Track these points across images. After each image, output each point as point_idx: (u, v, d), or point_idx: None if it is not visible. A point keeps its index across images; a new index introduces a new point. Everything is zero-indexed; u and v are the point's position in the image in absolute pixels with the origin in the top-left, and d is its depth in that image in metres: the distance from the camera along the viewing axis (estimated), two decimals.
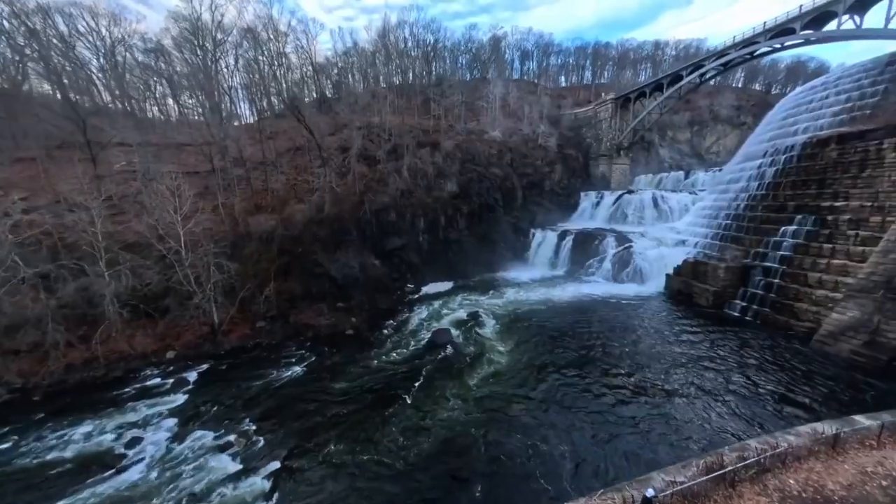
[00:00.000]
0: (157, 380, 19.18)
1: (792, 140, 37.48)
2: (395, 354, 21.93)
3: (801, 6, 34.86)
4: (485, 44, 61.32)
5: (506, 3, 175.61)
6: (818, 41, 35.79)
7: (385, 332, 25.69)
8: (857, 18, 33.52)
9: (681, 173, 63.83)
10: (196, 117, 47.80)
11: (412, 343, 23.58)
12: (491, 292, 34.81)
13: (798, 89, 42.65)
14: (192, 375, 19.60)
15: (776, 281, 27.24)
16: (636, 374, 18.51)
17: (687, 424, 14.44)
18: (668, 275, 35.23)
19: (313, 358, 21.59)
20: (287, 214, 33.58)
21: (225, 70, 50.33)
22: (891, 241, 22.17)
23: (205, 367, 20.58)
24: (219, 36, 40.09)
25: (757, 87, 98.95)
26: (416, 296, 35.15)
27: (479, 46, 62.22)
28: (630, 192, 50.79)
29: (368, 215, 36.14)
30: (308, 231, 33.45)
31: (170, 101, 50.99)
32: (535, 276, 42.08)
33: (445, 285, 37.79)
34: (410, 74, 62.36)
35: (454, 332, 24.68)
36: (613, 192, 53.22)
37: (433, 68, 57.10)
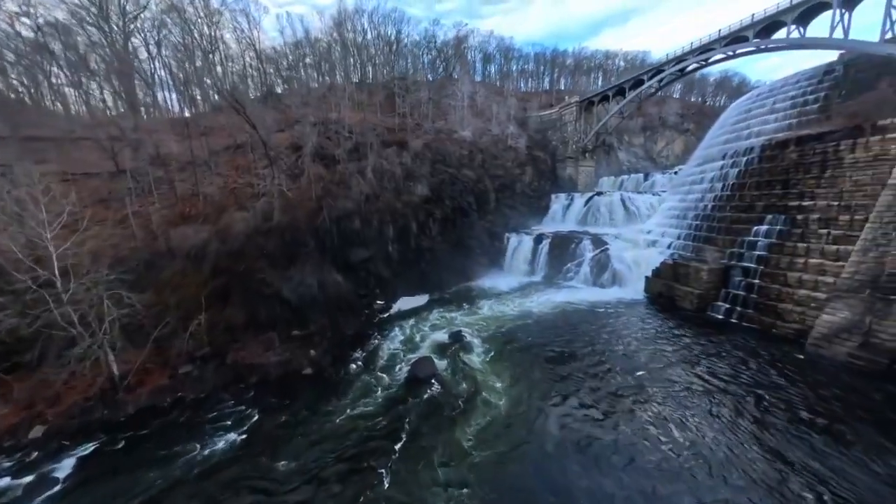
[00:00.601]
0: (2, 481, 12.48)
1: (749, 142, 38.51)
2: (367, 400, 17.06)
3: (752, 14, 35.74)
4: (449, 40, 58.07)
5: (462, 12, 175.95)
6: (766, 49, 36.99)
7: (353, 366, 20.60)
8: (801, 30, 34.85)
9: (640, 175, 65.44)
10: (107, 108, 38.53)
11: (388, 381, 18.85)
12: (470, 306, 30.91)
13: (746, 96, 44.45)
14: (65, 465, 13.12)
15: (756, 281, 26.54)
16: (644, 404, 15.63)
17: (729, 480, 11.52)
18: (647, 277, 33.98)
19: (256, 416, 15.99)
20: (224, 224, 27.01)
21: (146, 54, 41.58)
22: (868, 240, 21.82)
23: (91, 447, 14.10)
24: (129, 7, 32.09)
25: (693, 98, 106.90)
26: (388, 314, 30.24)
27: (443, 43, 58.90)
28: (599, 193, 50.17)
29: (328, 223, 30.59)
30: (252, 244, 27.17)
31: (70, 88, 40.86)
32: (514, 284, 39.11)
33: (420, 299, 33.28)
34: (371, 69, 57.11)
35: (438, 361, 20.36)
36: (584, 194, 52.38)
37: (396, 64, 52.58)
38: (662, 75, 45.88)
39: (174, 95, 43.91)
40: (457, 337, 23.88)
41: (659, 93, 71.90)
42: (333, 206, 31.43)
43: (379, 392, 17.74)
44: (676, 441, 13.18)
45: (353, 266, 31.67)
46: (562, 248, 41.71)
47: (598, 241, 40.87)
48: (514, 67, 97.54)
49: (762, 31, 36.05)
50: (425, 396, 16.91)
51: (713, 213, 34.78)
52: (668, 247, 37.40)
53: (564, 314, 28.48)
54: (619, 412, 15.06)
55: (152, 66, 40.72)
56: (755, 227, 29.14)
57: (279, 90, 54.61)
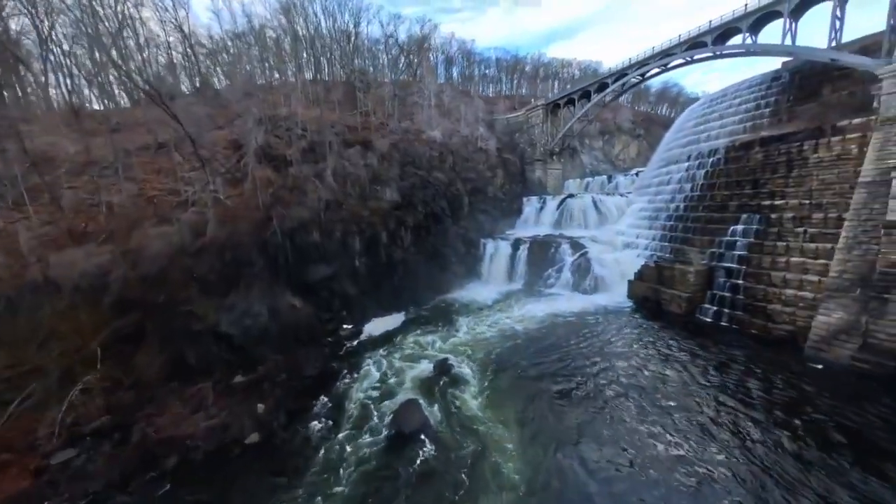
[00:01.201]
0: None
1: (711, 144, 39.22)
2: (335, 479, 12.41)
3: (710, 21, 36.37)
4: (413, 35, 54.13)
5: (419, 18, 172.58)
6: (721, 56, 37.93)
7: (316, 424, 15.60)
8: (753, 37, 35.94)
9: (604, 177, 66.44)
10: None
11: (364, 442, 14.25)
12: (451, 325, 26.84)
13: (700, 101, 45.86)
14: None
15: (740, 282, 25.78)
16: (671, 437, 12.97)
17: None
18: (630, 281, 32.58)
19: None
20: (137, 243, 20.50)
21: (36, 34, 32.59)
22: (850, 238, 21.46)
23: None
24: None
25: (640, 108, 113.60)
26: (358, 341, 25.31)
27: (406, 40, 54.83)
28: (571, 196, 49.14)
29: (279, 236, 25.03)
30: (177, 267, 20.97)
31: None
32: (494, 295, 35.96)
33: (394, 320, 28.70)
34: (326, 63, 51.34)
35: (425, 405, 16.17)
36: (556, 197, 51.14)
37: (355, 59, 47.56)
38: (625, 79, 46.01)
39: (69, 84, 34.92)
40: (443, 368, 19.82)
41: (622, 97, 74.41)
42: (286, 216, 25.94)
43: (352, 462, 13.12)
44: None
45: (312, 286, 26.35)
46: (541, 254, 39.49)
47: (576, 245, 39.21)
48: (477, 72, 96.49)
49: (719, 38, 36.78)
50: (416, 464, 12.68)
51: (686, 213, 34.41)
52: (645, 248, 36.60)
53: (553, 329, 25.47)
54: (649, 458, 12.09)
55: (41, 47, 31.95)
56: (731, 227, 28.74)
57: (218, 85, 46.98)
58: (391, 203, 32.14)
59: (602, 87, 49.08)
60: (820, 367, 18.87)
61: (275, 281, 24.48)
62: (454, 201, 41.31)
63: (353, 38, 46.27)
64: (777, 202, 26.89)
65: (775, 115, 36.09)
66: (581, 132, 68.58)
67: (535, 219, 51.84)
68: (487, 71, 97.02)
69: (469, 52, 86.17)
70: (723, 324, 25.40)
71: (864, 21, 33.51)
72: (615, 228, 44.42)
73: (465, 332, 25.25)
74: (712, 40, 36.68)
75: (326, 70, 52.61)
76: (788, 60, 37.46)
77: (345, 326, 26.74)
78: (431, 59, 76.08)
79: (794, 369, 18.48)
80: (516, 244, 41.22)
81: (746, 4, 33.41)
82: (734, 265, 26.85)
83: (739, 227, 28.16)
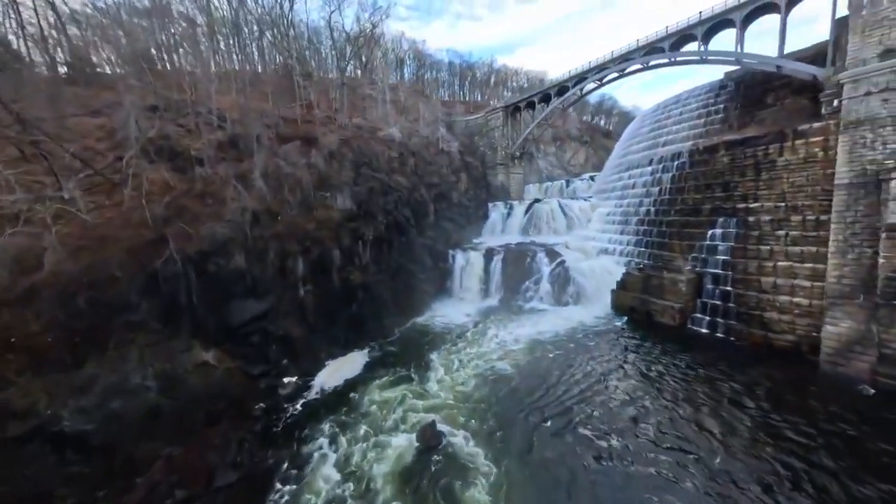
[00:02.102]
0: None
1: (672, 148, 39.11)
2: None
3: (667, 27, 36.17)
4: (362, 22, 46.78)
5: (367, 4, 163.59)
6: (676, 63, 38.06)
7: None
8: (703, 46, 36.39)
9: (562, 182, 66.07)
10: None
11: None
12: (427, 366, 20.79)
13: (653, 107, 46.43)
14: None
15: (729, 289, 24.19)
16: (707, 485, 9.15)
17: None
18: (613, 291, 30.02)
19: None
20: None
21: None
22: (840, 242, 20.46)
23: None
24: None
25: (583, 118, 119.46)
26: (305, 401, 18.23)
27: (354, 26, 47.36)
28: (538, 201, 46.54)
29: (179, 265, 16.99)
30: None
31: None
32: (469, 314, 31.02)
33: (354, 361, 21.96)
34: (255, 49, 42.19)
35: None
36: (522, 202, 48.20)
37: (294, 46, 39.31)
38: (584, 83, 44.87)
39: None
40: (430, 439, 14.02)
41: (573, 104, 74.90)
42: (192, 235, 17.95)
43: None
44: None
45: (236, 332, 18.61)
46: (516, 264, 35.59)
47: (552, 253, 36.00)
48: (428, 75, 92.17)
49: (673, 45, 36.72)
50: None
51: (658, 217, 33.00)
52: (621, 254, 34.58)
53: (545, 361, 20.62)
54: None
55: None
56: (709, 231, 27.45)
57: (99, 65, 35.45)
58: (344, 212, 25.38)
59: (562, 90, 47.62)
60: (837, 382, 16.98)
61: (173, 332, 16.42)
62: (418, 209, 35.62)
63: (287, 19, 38.11)
64: (752, 205, 25.97)
65: (725, 121, 36.87)
66: (537, 138, 67.69)
67: (502, 225, 48.34)
68: (439, 74, 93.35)
69: (421, 53, 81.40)
70: (719, 335, 23.42)
71: (801, 37, 35.42)
72: (584, 234, 42.47)
73: (444, 378, 19.21)
74: (669, 46, 36.46)
75: (256, 56, 43.37)
76: (731, 70, 38.88)
77: (286, 381, 19.40)
78: (380, 55, 69.69)
79: (805, 382, 16.74)
80: (489, 255, 36.86)
81: (701, 12, 33.41)
82: (719, 271, 25.28)
83: (718, 231, 26.89)
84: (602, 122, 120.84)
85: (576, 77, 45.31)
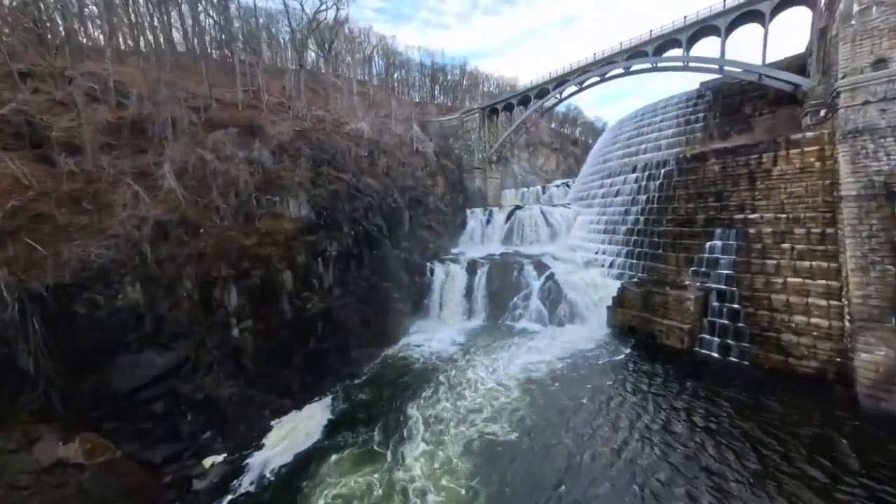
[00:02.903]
0: None
1: (655, 155, 37.81)
2: None
3: (651, 31, 34.65)
4: (324, 14, 39.91)
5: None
6: (659, 69, 36.78)
7: None
8: (686, 53, 35.38)
9: (538, 188, 64.03)
10: None
11: None
12: (403, 419, 15.64)
13: (631, 114, 45.47)
14: None
15: (737, 307, 22.07)
16: None
17: None
18: (609, 307, 27.11)
19: None
20: None
21: None
22: (859, 258, 18.78)
23: None
24: None
25: (552, 125, 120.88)
26: (235, 497, 12.37)
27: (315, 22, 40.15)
28: (519, 207, 43.26)
29: (14, 308, 10.39)
30: None
31: None
32: (453, 338, 26.47)
33: (313, 420, 16.22)
34: (191, 30, 34.06)
35: None
36: (502, 209, 44.67)
37: (233, 26, 31.99)
38: (566, 85, 42.57)
39: None
40: None
41: (551, 108, 73.46)
42: (45, 260, 11.38)
43: None
44: None
45: (126, 402, 12.20)
46: (503, 278, 31.65)
47: (539, 266, 32.56)
48: (398, 74, 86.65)
49: (656, 50, 35.31)
50: None
51: (648, 227, 30.85)
52: (612, 266, 31.98)
53: (546, 406, 16.66)
54: None
55: None
56: (708, 243, 25.54)
57: None
58: (300, 222, 19.49)
59: (542, 93, 45.04)
60: (882, 420, 14.75)
61: (9, 416, 9.86)
62: (392, 216, 30.33)
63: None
64: (750, 216, 24.36)
65: (705, 129, 36.25)
66: (514, 142, 65.23)
67: (482, 234, 44.49)
68: (410, 74, 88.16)
69: (389, 49, 75.69)
70: (733, 359, 21.03)
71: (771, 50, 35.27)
72: (568, 242, 39.73)
73: (425, 451, 13.72)
74: (653, 50, 34.96)
75: (191, 34, 35.25)
76: (707, 80, 38.60)
77: (208, 463, 13.28)
78: (345, 42, 62.90)
79: (846, 420, 14.34)
80: (472, 267, 32.56)
81: (686, 17, 32.11)
82: (723, 286, 23.19)
83: (717, 244, 25.00)
84: (568, 131, 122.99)
85: (556, 79, 42.89)
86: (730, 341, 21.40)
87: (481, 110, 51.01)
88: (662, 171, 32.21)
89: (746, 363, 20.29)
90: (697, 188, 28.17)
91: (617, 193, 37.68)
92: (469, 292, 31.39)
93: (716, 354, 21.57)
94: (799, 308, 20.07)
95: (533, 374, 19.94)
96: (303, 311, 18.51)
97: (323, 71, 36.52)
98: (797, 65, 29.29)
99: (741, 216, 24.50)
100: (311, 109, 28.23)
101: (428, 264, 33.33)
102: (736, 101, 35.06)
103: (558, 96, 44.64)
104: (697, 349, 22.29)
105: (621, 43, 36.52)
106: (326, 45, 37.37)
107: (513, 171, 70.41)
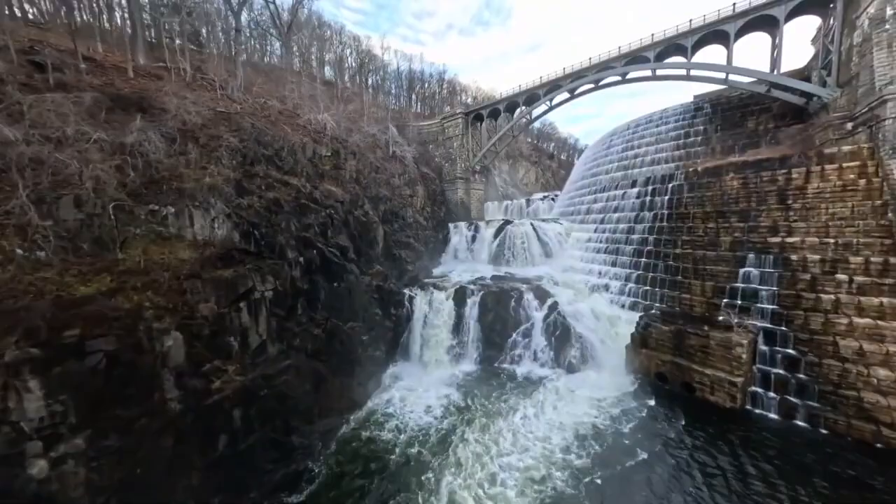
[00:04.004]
0: None
1: (656, 169, 34.50)
2: None
3: (652, 34, 31.35)
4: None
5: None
6: (658, 77, 33.48)
7: None
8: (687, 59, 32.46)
9: (522, 201, 59.55)
10: None
11: None
12: None
13: (623, 126, 42.37)
14: None
15: (794, 353, 17.59)
16: None
17: None
18: (627, 347, 21.89)
19: None
20: None
21: None
22: None
23: None
24: None
25: (528, 139, 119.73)
26: None
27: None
28: (509, 222, 37.81)
29: None
30: None
31: None
32: (440, 392, 19.95)
33: None
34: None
35: None
36: (490, 224, 38.96)
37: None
38: (559, 91, 38.48)
39: None
40: None
41: (540, 117, 69.89)
42: None
43: None
44: None
45: None
46: (497, 310, 25.50)
47: (540, 293, 26.86)
48: (372, 80, 79.93)
49: (659, 55, 31.98)
50: None
51: (661, 248, 26.42)
52: (620, 293, 27.06)
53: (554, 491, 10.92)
54: None
55: None
56: (741, 270, 21.37)
57: None
58: (209, 249, 12.04)
59: (531, 99, 40.72)
60: None
61: None
62: (363, 233, 23.28)
63: None
64: (788, 239, 20.50)
65: (706, 143, 33.41)
66: (499, 151, 60.71)
67: (467, 251, 38.45)
68: (387, 79, 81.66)
69: (365, 53, 68.81)
70: (799, 423, 16.29)
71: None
72: (563, 263, 34.61)
73: None
74: (654, 56, 31.61)
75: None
76: (702, 94, 36.30)
77: None
78: (314, 49, 55.19)
79: None
80: (460, 296, 26.10)
81: (691, 20, 28.99)
82: (769, 324, 18.74)
83: (753, 272, 20.81)
84: (543, 145, 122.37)
85: (548, 84, 38.70)
86: (793, 399, 16.65)
87: (465, 115, 45.82)
88: (670, 185, 28.23)
89: (824, 431, 15.52)
90: (715, 205, 24.27)
91: (616, 209, 33.36)
92: (458, 327, 24.87)
93: (775, 416, 16.74)
94: (877, 358, 15.75)
95: (547, 456, 13.82)
96: (204, 397, 10.97)
97: (280, 56, 29.01)
98: (799, 78, 26.95)
99: (776, 239, 20.60)
100: (253, 92, 20.77)
101: (406, 292, 26.46)
102: (737, 115, 32.51)
103: (548, 103, 40.50)
104: (750, 408, 17.41)
105: (620, 47, 33.00)
106: (284, 26, 30.11)
107: (495, 183, 65.84)
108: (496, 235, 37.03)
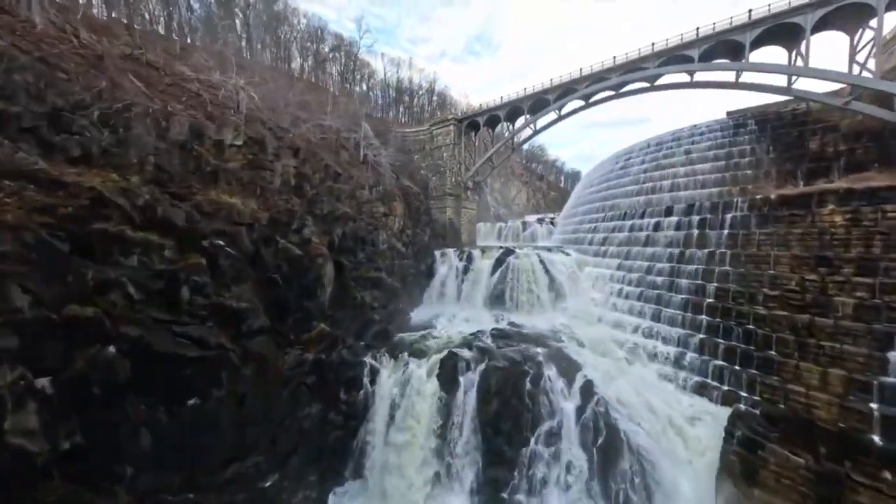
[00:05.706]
0: None
1: (694, 194, 27.43)
2: None
3: (697, 28, 24.73)
4: None
5: None
6: (694, 84, 27.03)
7: None
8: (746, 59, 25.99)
9: (518, 224, 51.87)
10: None
11: None
12: None
13: (640, 144, 35.60)
14: None
15: None
16: None
17: None
18: (718, 477, 13.22)
19: None
20: None
21: None
22: None
23: None
24: None
25: (518, 159, 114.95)
26: None
27: None
28: (510, 252, 29.15)
29: None
30: None
31: None
32: None
33: None
34: None
35: None
36: (486, 253, 30.09)
37: None
38: (570, 97, 31.30)
39: None
40: None
41: (546, 128, 63.72)
42: None
43: None
44: None
45: None
46: (505, 395, 16.27)
47: (564, 363, 18.03)
48: (359, 89, 71.65)
49: (705, 55, 25.35)
50: None
51: (728, 302, 18.52)
52: (678, 365, 18.76)
53: None
54: None
55: None
56: (890, 354, 13.42)
57: None
58: None
59: (538, 105, 33.50)
60: None
61: None
62: (295, 275, 13.83)
63: None
64: None
65: (757, 166, 26.55)
66: (496, 165, 53.17)
67: (457, 289, 29.22)
68: (372, 85, 73.66)
69: (349, 51, 60.77)
70: None
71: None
72: (579, 307, 26.13)
73: None
74: (698, 55, 24.99)
75: None
76: (736, 110, 30.35)
77: None
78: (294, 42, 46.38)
79: None
80: (448, 372, 16.74)
81: (751, 10, 22.48)
82: None
83: None
84: (532, 166, 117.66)
85: (560, 88, 31.51)
86: None
87: (457, 122, 37.99)
88: (727, 216, 20.66)
89: None
90: (809, 248, 16.54)
91: (646, 242, 25.41)
92: (444, 426, 15.45)
93: None
94: None
95: None
96: None
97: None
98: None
99: None
100: (96, 34, 11.29)
101: (368, 362, 16.92)
102: (794, 134, 25.93)
103: (558, 112, 33.33)
104: None
105: (654, 44, 26.25)
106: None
107: (487, 202, 58.11)
108: (494, 269, 28.26)
